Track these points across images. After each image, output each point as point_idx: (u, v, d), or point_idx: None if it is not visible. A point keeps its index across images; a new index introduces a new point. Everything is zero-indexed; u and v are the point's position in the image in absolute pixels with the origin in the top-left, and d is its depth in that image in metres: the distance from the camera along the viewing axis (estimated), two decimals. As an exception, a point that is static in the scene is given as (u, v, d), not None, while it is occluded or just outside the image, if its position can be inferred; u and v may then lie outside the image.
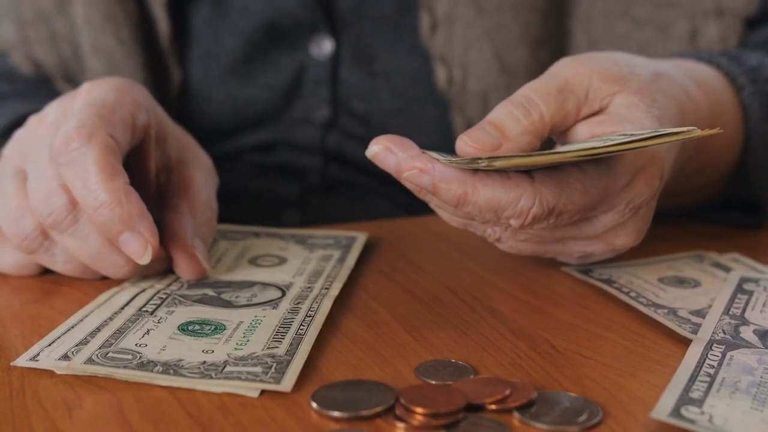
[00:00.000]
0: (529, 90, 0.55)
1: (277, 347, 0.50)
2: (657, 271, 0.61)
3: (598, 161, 0.53)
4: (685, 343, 0.51)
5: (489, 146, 0.53)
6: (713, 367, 0.48)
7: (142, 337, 0.51)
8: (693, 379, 0.46)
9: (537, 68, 0.59)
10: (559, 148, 0.54)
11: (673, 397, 0.44)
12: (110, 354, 0.49)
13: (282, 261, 0.62)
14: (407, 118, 0.81)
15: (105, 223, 0.54)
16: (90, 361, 0.48)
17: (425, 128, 0.80)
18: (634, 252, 0.61)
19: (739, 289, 0.58)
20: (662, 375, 0.48)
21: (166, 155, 0.63)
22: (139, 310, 0.54)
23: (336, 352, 0.51)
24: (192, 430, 0.43)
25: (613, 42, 0.77)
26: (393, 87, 0.81)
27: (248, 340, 0.50)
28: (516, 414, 0.44)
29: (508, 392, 0.45)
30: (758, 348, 0.50)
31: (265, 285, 0.58)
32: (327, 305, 0.55)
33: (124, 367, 0.48)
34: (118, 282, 0.58)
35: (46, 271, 0.60)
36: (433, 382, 0.47)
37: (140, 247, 0.55)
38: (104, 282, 0.59)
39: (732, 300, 0.56)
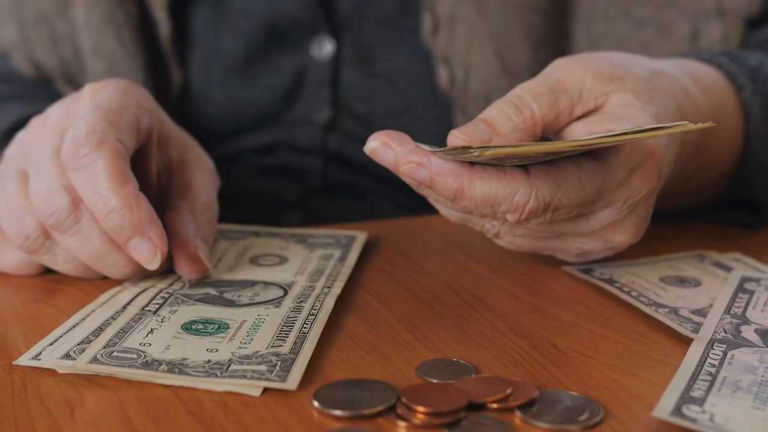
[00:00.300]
0: (521, 90, 0.56)
1: (281, 346, 0.50)
2: (658, 270, 0.61)
3: (595, 157, 0.54)
4: (687, 342, 0.51)
5: (480, 141, 0.53)
6: (714, 366, 0.48)
7: (146, 336, 0.51)
8: (694, 378, 0.46)
9: (539, 68, 0.60)
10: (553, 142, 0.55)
11: (675, 396, 0.44)
12: (115, 353, 0.49)
13: (283, 260, 0.62)
14: (408, 119, 0.81)
15: (115, 228, 0.55)
16: (95, 360, 0.48)
17: (426, 129, 0.81)
18: (635, 251, 0.61)
19: (740, 288, 0.58)
20: (663, 374, 0.48)
21: (168, 156, 0.63)
22: (142, 309, 0.54)
23: (337, 351, 0.51)
24: (194, 429, 0.43)
25: (614, 42, 0.77)
26: (394, 88, 0.81)
27: (252, 339, 0.50)
28: (517, 413, 0.45)
29: (509, 391, 0.45)
30: (759, 347, 0.50)
31: (267, 284, 0.58)
32: (330, 304, 0.55)
33: (129, 366, 0.48)
34: (120, 281, 0.58)
35: (47, 271, 0.60)
36: (435, 381, 0.47)
37: (150, 253, 0.55)
38: (106, 281, 0.59)
39: (733, 299, 0.56)
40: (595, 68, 0.57)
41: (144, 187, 0.60)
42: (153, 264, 0.55)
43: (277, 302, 0.55)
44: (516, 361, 0.50)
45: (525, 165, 0.53)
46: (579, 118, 0.57)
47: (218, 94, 0.83)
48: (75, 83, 0.83)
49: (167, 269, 0.59)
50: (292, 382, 0.46)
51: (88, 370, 0.47)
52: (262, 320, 0.53)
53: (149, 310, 0.54)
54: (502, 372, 0.49)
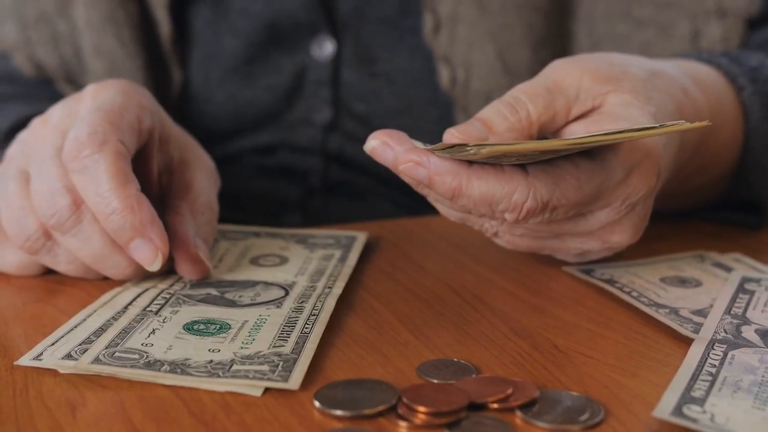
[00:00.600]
0: (518, 90, 0.57)
1: (283, 346, 0.50)
2: (658, 270, 0.61)
3: (593, 157, 0.54)
4: (687, 342, 0.51)
5: (476, 139, 0.54)
6: (715, 366, 0.48)
7: (148, 336, 0.51)
8: (695, 378, 0.46)
9: (539, 68, 0.60)
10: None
11: (675, 396, 0.44)
12: (117, 354, 0.49)
13: (283, 261, 0.62)
14: (408, 119, 0.81)
15: (117, 229, 0.55)
16: (97, 360, 0.48)
17: (426, 129, 0.81)
18: (635, 252, 0.61)
19: (741, 288, 0.58)
20: (664, 374, 0.48)
21: (168, 156, 0.63)
22: (144, 309, 0.54)
23: (338, 351, 0.51)
24: (195, 429, 0.44)
25: (614, 42, 0.77)
26: (394, 88, 0.81)
27: (254, 339, 0.51)
28: (518, 413, 0.45)
29: (510, 391, 0.45)
30: (760, 347, 0.50)
31: (268, 284, 0.58)
32: (331, 304, 0.55)
33: (132, 366, 0.48)
34: (121, 282, 0.58)
35: (48, 271, 0.61)
36: (436, 381, 0.47)
37: (151, 254, 0.55)
38: (107, 282, 0.59)
39: (733, 300, 0.56)
40: (593, 69, 0.57)
41: (145, 187, 0.60)
42: (154, 265, 0.55)
43: (278, 302, 0.55)
44: (516, 361, 0.50)
45: (523, 165, 0.53)
46: (577, 118, 0.57)
47: (218, 94, 0.83)
48: (75, 83, 0.83)
49: (168, 270, 0.59)
50: (295, 382, 0.46)
51: (90, 371, 0.48)
52: (264, 320, 0.53)
53: (151, 311, 0.54)
54: (502, 372, 0.49)
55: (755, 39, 0.76)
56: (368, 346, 0.52)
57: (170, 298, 0.56)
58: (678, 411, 0.43)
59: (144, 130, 0.59)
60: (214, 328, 0.52)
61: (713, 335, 0.51)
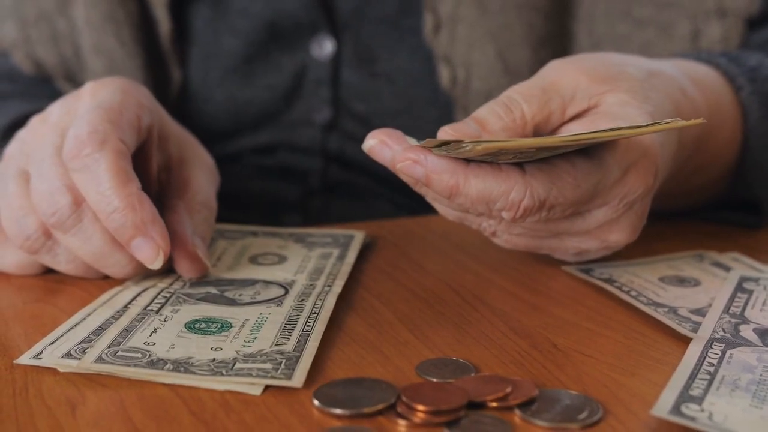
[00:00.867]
0: (513, 91, 0.57)
1: (285, 344, 0.50)
2: (657, 270, 0.61)
3: (590, 156, 0.54)
4: (685, 341, 0.51)
5: (470, 137, 0.53)
6: (713, 365, 0.48)
7: (150, 335, 0.51)
8: (693, 376, 0.47)
9: (539, 68, 0.60)
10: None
11: (674, 395, 0.45)
12: (120, 353, 0.49)
13: (282, 259, 0.62)
14: (408, 119, 0.81)
15: (118, 228, 0.55)
16: (100, 359, 0.48)
17: (426, 129, 0.80)
18: (634, 251, 0.62)
19: (739, 288, 0.58)
20: (662, 373, 0.48)
21: (167, 154, 0.63)
22: (144, 308, 0.54)
23: (338, 350, 0.51)
24: (195, 427, 0.44)
25: (615, 42, 0.77)
26: (394, 88, 0.81)
27: (255, 338, 0.51)
28: (517, 411, 0.45)
29: (509, 390, 0.46)
30: (758, 346, 0.51)
31: (268, 283, 0.58)
32: (331, 302, 0.55)
33: (135, 365, 0.48)
34: (121, 281, 0.58)
35: (48, 271, 0.61)
36: (435, 380, 0.48)
37: (152, 252, 0.55)
38: (107, 281, 0.59)
39: (732, 299, 0.56)
40: (590, 69, 0.57)
41: (144, 185, 0.60)
42: (156, 264, 0.55)
43: (278, 301, 0.56)
44: (516, 360, 0.50)
45: (521, 164, 0.53)
46: (573, 118, 0.57)
47: (218, 93, 0.83)
48: (75, 81, 0.83)
49: (167, 268, 0.59)
50: (298, 379, 0.46)
51: (92, 369, 0.48)
52: (265, 319, 0.53)
53: (152, 310, 0.54)
54: (501, 371, 0.49)
55: (755, 39, 0.76)
56: (368, 345, 0.52)
57: (170, 297, 0.56)
58: (676, 409, 0.43)
59: (143, 128, 0.59)
60: (216, 327, 0.52)
61: (712, 334, 0.51)
